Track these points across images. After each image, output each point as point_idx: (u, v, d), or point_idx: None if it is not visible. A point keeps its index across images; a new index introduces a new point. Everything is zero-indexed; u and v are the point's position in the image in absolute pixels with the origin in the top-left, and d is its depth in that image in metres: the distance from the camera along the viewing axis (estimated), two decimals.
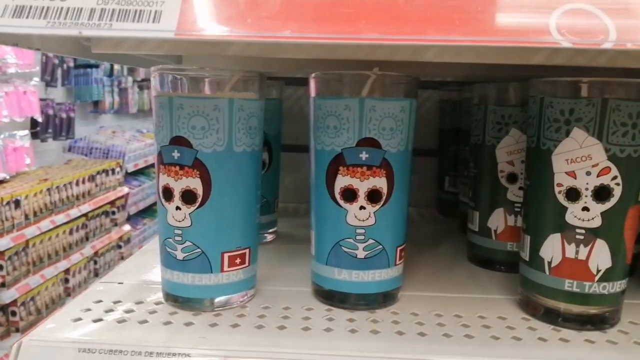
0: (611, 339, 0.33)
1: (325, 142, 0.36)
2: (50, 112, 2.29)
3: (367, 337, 0.33)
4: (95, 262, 2.22)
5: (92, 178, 2.18)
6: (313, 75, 0.36)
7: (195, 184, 0.34)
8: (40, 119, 2.17)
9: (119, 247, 2.39)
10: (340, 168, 0.35)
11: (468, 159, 0.49)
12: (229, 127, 0.34)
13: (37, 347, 0.32)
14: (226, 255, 0.35)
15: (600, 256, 0.33)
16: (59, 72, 2.34)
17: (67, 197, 2.03)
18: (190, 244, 0.35)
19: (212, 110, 0.34)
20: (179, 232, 0.35)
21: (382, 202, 0.36)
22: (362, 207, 0.35)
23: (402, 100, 0.35)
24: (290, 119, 0.63)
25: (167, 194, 0.35)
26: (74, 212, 2.05)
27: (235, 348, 0.31)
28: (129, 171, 2.52)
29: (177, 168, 0.34)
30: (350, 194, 0.35)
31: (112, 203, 2.34)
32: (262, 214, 0.51)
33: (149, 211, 2.80)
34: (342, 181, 0.35)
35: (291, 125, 0.63)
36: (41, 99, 2.18)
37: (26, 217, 1.79)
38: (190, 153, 0.34)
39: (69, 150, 2.51)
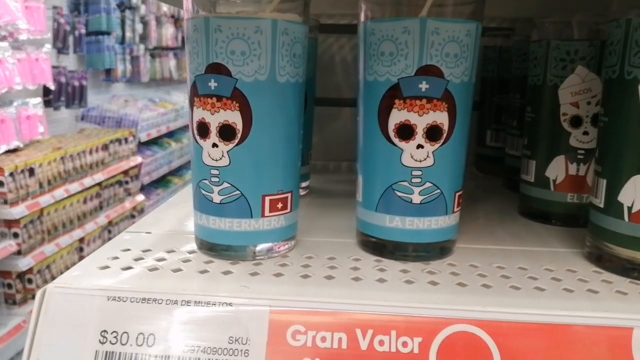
0: None
1: (379, 72, 0.32)
2: (63, 79, 2.26)
3: (426, 289, 0.30)
4: (110, 232, 2.22)
5: (105, 147, 2.16)
6: None
7: (234, 117, 0.31)
8: (52, 87, 2.14)
9: (133, 217, 2.39)
10: (396, 101, 0.31)
11: (521, 106, 0.44)
12: (272, 53, 0.30)
13: (63, 295, 0.29)
14: (267, 199, 0.32)
15: None
16: (70, 39, 2.30)
17: (81, 166, 2.02)
18: (229, 185, 0.31)
19: (253, 33, 0.30)
20: (216, 172, 0.32)
21: (442, 141, 0.32)
22: (419, 146, 0.32)
23: (468, 22, 0.31)
24: (319, 70, 0.59)
25: (203, 129, 0.31)
26: (88, 181, 2.03)
27: (282, 297, 0.28)
28: (142, 141, 2.50)
29: (214, 100, 0.31)
30: (406, 131, 0.32)
31: (125, 172, 2.32)
32: None
33: (162, 181, 2.78)
34: (398, 116, 0.31)
35: (320, 76, 0.59)
36: (53, 67, 2.15)
37: (40, 185, 1.78)
38: (229, 82, 0.30)
39: (82, 119, 2.48)
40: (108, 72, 2.58)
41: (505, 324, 0.27)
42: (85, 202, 2.06)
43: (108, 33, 2.47)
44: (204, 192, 0.32)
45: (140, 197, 2.45)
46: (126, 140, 2.33)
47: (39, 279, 1.77)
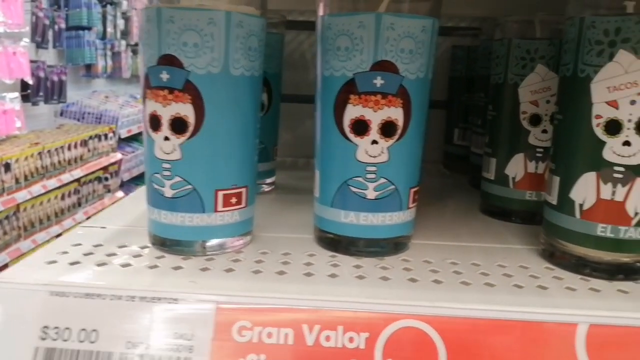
0: None
1: (335, 67, 0.31)
2: (42, 74, 2.22)
3: (377, 284, 0.30)
4: (114, 204, 2.18)
5: (84, 143, 2.13)
6: None
7: (186, 110, 0.30)
8: (30, 82, 2.10)
9: None
10: (352, 96, 0.31)
11: (484, 104, 0.45)
12: (226, 46, 0.30)
13: (5, 289, 0.28)
14: (220, 194, 0.32)
15: (639, 197, 0.30)
16: (50, 33, 2.26)
17: (59, 162, 1.99)
18: (180, 179, 0.31)
19: (206, 25, 0.29)
20: (168, 165, 0.31)
21: (396, 137, 0.32)
22: (374, 142, 0.31)
23: (424, 18, 0.31)
24: (290, 67, 0.59)
25: (155, 122, 0.31)
26: (66, 177, 2.00)
27: (230, 293, 0.27)
28: (122, 137, 2.47)
29: (166, 92, 0.30)
30: (361, 126, 0.31)
31: (104, 169, 2.29)
32: (260, 161, 0.47)
33: (142, 178, 2.75)
34: (353, 111, 0.31)
35: (291, 73, 0.59)
36: (32, 61, 2.11)
37: (16, 180, 1.75)
38: (181, 74, 0.30)
39: (61, 114, 2.44)
40: (88, 67, 2.54)
41: (452, 320, 0.27)
42: (63, 198, 2.03)
43: (89, 28, 2.44)
44: (155, 186, 0.32)
45: (120, 194, 2.42)
46: (106, 136, 2.30)
47: (45, 246, 1.73)
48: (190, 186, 0.31)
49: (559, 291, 0.29)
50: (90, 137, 2.18)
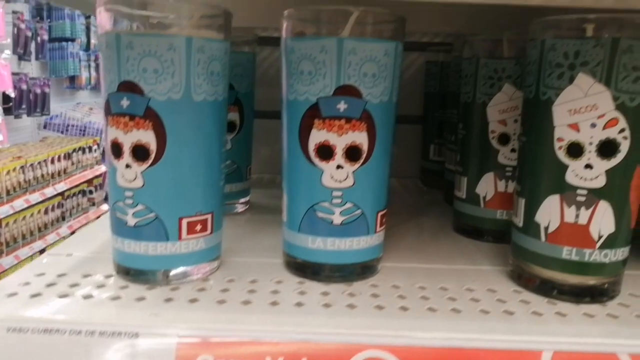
0: (611, 313, 0.30)
1: (299, 91, 0.31)
2: (24, 87, 2.20)
3: (342, 312, 0.29)
4: (81, 229, 2.16)
5: (68, 156, 2.11)
6: (286, 12, 0.32)
7: (147, 137, 0.30)
8: (13, 94, 2.08)
9: None
10: (316, 121, 0.31)
11: (457, 121, 0.45)
12: (187, 71, 0.30)
13: None
14: (184, 221, 0.31)
15: (602, 220, 0.30)
16: (32, 45, 2.25)
17: (42, 176, 1.96)
18: (143, 207, 0.31)
19: (166, 51, 0.29)
20: (130, 193, 0.31)
21: (362, 161, 0.31)
22: (339, 166, 0.31)
23: (386, 42, 0.31)
24: (266, 83, 0.58)
25: (116, 149, 0.30)
26: (49, 191, 1.98)
27: (192, 326, 0.27)
28: None
29: (127, 119, 0.30)
30: (326, 151, 0.31)
31: (89, 182, 2.27)
32: (233, 182, 0.47)
33: None
34: (318, 136, 0.31)
35: (268, 89, 0.59)
36: (14, 73, 2.09)
37: None
38: (141, 101, 0.29)
39: (45, 127, 2.42)
40: (72, 79, 2.52)
41: (416, 349, 0.26)
42: (46, 212, 2.00)
43: (72, 39, 2.42)
44: (118, 214, 0.31)
45: (105, 207, 2.39)
46: (90, 148, 2.28)
47: (7, 276, 1.70)
48: (153, 214, 0.31)
49: (525, 316, 0.29)
50: (74, 150, 2.15)
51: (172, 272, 0.32)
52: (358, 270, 0.33)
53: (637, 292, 0.33)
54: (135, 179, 0.30)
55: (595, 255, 0.30)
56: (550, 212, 0.31)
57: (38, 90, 2.28)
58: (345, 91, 0.30)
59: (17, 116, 2.16)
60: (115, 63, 0.29)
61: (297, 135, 0.32)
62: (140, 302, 0.30)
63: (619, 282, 0.32)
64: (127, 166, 0.30)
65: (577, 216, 0.30)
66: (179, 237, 0.31)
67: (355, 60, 0.30)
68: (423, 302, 0.31)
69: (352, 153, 0.31)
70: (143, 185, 0.30)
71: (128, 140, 0.30)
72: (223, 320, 0.28)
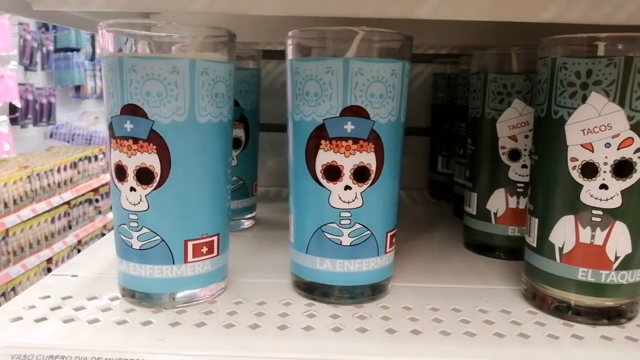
0: (630, 335, 0.29)
1: (305, 112, 0.31)
2: (30, 97, 2.21)
3: (352, 337, 0.29)
4: (79, 251, 2.16)
5: (74, 165, 2.12)
6: (290, 33, 0.31)
7: (151, 160, 0.29)
8: (19, 105, 2.09)
9: (103, 235, 2.33)
10: (322, 142, 0.30)
11: (465, 135, 0.44)
12: (191, 94, 0.29)
13: None
14: (190, 244, 0.31)
15: (619, 241, 0.29)
16: (38, 55, 2.26)
17: (49, 185, 1.97)
18: (148, 230, 0.30)
19: (169, 73, 0.29)
20: (135, 217, 0.30)
21: (370, 181, 0.31)
22: (347, 187, 0.31)
23: (393, 62, 0.30)
24: (272, 96, 0.58)
25: (120, 172, 0.30)
26: (56, 200, 1.98)
27: (198, 352, 0.26)
28: None
29: (130, 142, 0.29)
30: (333, 172, 0.31)
31: (95, 190, 2.27)
32: (239, 198, 0.47)
33: None
34: (325, 157, 0.31)
35: (273, 102, 0.58)
36: (20, 84, 2.10)
37: (5, 205, 1.73)
38: (145, 124, 0.29)
39: (51, 136, 2.43)
40: (78, 88, 2.53)
41: None
42: (53, 221, 2.01)
43: (77, 49, 2.43)
44: (123, 237, 0.31)
45: (111, 216, 2.40)
46: (96, 157, 2.29)
47: (3, 302, 1.71)
48: (158, 237, 0.30)
49: (540, 339, 0.29)
50: (80, 159, 2.16)
51: (179, 295, 0.31)
52: (368, 292, 0.33)
53: None
54: (139, 202, 0.30)
55: (612, 277, 0.29)
56: (565, 233, 0.30)
57: (44, 100, 2.29)
58: (352, 112, 0.30)
59: (24, 126, 2.17)
60: (119, 86, 0.29)
61: (304, 156, 0.31)
62: (146, 327, 0.29)
63: (637, 303, 0.31)
64: (132, 189, 0.30)
65: (592, 237, 0.29)
66: (185, 260, 0.31)
67: (362, 80, 0.30)
68: (436, 325, 0.30)
69: (360, 174, 0.31)
70: (148, 209, 0.30)
71: (132, 163, 0.29)
72: (230, 346, 0.27)
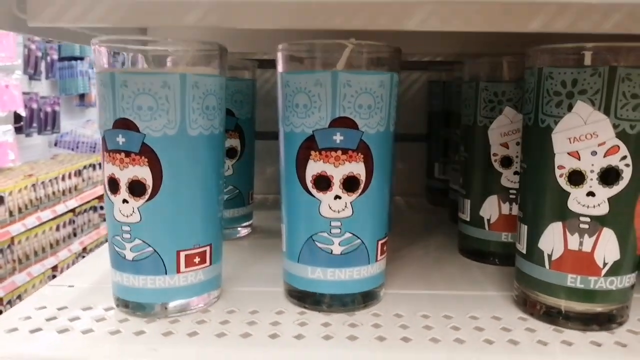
0: (620, 341, 0.29)
1: (295, 124, 0.31)
2: (35, 106, 2.23)
3: (343, 344, 0.29)
4: (84, 258, 2.17)
5: (78, 173, 2.13)
6: (280, 46, 0.32)
7: (143, 173, 0.30)
8: (24, 114, 2.11)
9: None
10: (312, 152, 0.31)
11: (459, 142, 0.44)
12: (182, 107, 0.30)
13: None
14: (182, 254, 0.31)
15: (607, 247, 0.29)
16: (42, 65, 2.28)
17: (53, 193, 1.98)
18: (141, 242, 0.31)
19: (160, 88, 0.29)
20: (127, 228, 0.31)
21: (360, 191, 0.31)
22: (337, 197, 0.31)
23: (381, 74, 0.31)
24: (269, 104, 0.58)
25: (113, 185, 0.31)
26: (61, 208, 2.00)
27: None
28: None
29: (123, 155, 0.30)
30: (323, 182, 0.31)
31: (100, 198, 2.28)
32: (235, 207, 0.47)
33: None
34: (315, 167, 0.31)
35: (271, 110, 0.59)
36: (24, 93, 2.12)
37: (10, 214, 1.75)
38: (136, 138, 0.29)
39: (55, 144, 2.45)
40: (82, 97, 2.55)
41: None
42: (58, 229, 2.02)
43: (82, 58, 2.46)
44: (117, 248, 0.31)
45: None
46: (100, 165, 2.30)
47: (9, 309, 1.72)
48: (150, 249, 0.31)
49: (530, 345, 0.29)
50: (85, 167, 2.18)
51: (171, 305, 0.31)
52: (359, 300, 0.33)
53: None
54: (132, 214, 0.30)
55: (601, 283, 0.30)
56: (554, 240, 0.30)
57: (48, 109, 2.31)
58: (341, 123, 0.30)
59: (28, 135, 2.19)
60: (111, 101, 0.29)
61: (294, 166, 0.32)
62: (139, 337, 0.29)
63: (627, 308, 0.31)
64: (124, 201, 0.30)
65: (580, 243, 0.29)
66: (177, 271, 0.31)
67: (350, 92, 0.30)
68: (426, 332, 0.30)
69: (350, 183, 0.31)
70: (140, 220, 0.30)
71: (124, 176, 0.30)
72: (222, 355, 0.28)
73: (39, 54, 2.24)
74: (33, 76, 2.23)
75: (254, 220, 0.52)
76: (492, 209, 0.41)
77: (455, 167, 0.52)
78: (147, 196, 0.30)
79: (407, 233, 0.51)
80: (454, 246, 0.46)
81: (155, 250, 0.31)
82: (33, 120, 2.21)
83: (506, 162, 0.39)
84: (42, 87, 2.32)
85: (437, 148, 0.60)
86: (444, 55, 0.62)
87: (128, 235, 0.31)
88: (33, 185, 1.87)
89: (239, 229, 0.48)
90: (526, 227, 0.32)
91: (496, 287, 0.37)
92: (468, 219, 0.42)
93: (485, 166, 0.40)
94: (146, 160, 0.30)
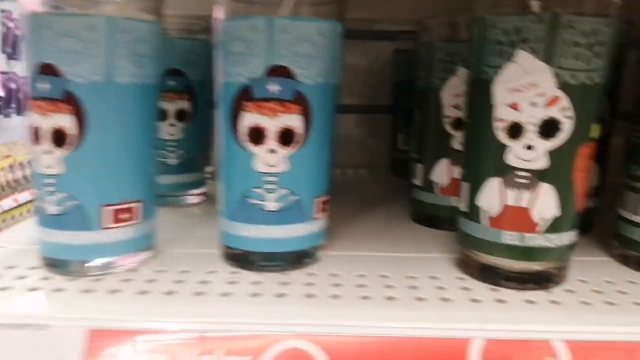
0: (555, 299, 0.28)
1: (230, 73, 0.30)
2: (13, 86, 2.19)
3: (268, 301, 0.28)
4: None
5: None
6: None
7: (66, 121, 0.28)
8: (2, 94, 2.07)
9: None
10: (247, 103, 0.30)
11: (414, 108, 0.43)
12: (109, 53, 0.28)
13: None
14: (107, 209, 0.30)
15: (545, 203, 0.28)
16: (22, 44, 2.23)
17: (31, 175, 1.95)
18: (64, 195, 0.29)
19: (86, 31, 0.28)
20: (51, 181, 0.29)
21: (297, 145, 0.30)
22: (272, 151, 0.30)
23: (321, 21, 0.29)
24: None
25: (35, 134, 0.29)
26: None
27: (104, 316, 0.26)
28: None
29: (45, 102, 0.28)
30: (258, 135, 0.30)
31: None
32: (185, 172, 0.46)
33: None
34: (249, 119, 0.30)
35: None
36: (2, 72, 2.08)
37: None
38: (60, 83, 0.28)
39: None
40: None
41: (338, 338, 0.25)
42: None
43: None
44: (40, 202, 0.30)
45: None
46: None
47: None
48: (75, 202, 0.29)
49: (462, 303, 0.28)
50: None
51: (94, 263, 0.30)
52: (294, 259, 0.32)
53: (587, 278, 0.31)
54: (56, 165, 0.29)
55: (539, 240, 0.29)
56: (492, 196, 0.29)
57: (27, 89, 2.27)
58: (277, 72, 0.29)
59: (7, 115, 2.15)
60: (34, 44, 0.28)
61: (229, 119, 0.30)
62: (57, 293, 0.28)
63: (566, 267, 0.31)
64: (48, 152, 0.29)
65: (518, 199, 0.28)
66: (102, 226, 0.30)
67: (288, 40, 0.29)
68: (358, 290, 0.29)
69: (286, 137, 0.30)
70: (65, 172, 0.29)
71: (47, 124, 0.29)
72: (139, 311, 0.26)
73: (18, 32, 2.19)
74: (12, 55, 2.19)
75: (211, 190, 0.50)
76: (443, 172, 0.40)
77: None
78: (71, 147, 0.29)
79: (365, 202, 0.50)
80: (408, 215, 0.45)
81: (80, 204, 0.29)
82: (11, 101, 2.17)
83: (458, 124, 0.38)
84: (21, 67, 2.28)
85: (401, 118, 0.59)
86: (412, 23, 0.61)
87: (52, 188, 0.29)
88: (10, 166, 1.84)
89: (189, 195, 0.47)
90: (468, 184, 0.31)
91: (441, 249, 0.36)
92: (420, 184, 0.41)
93: (437, 129, 0.39)
94: (70, 108, 0.28)
